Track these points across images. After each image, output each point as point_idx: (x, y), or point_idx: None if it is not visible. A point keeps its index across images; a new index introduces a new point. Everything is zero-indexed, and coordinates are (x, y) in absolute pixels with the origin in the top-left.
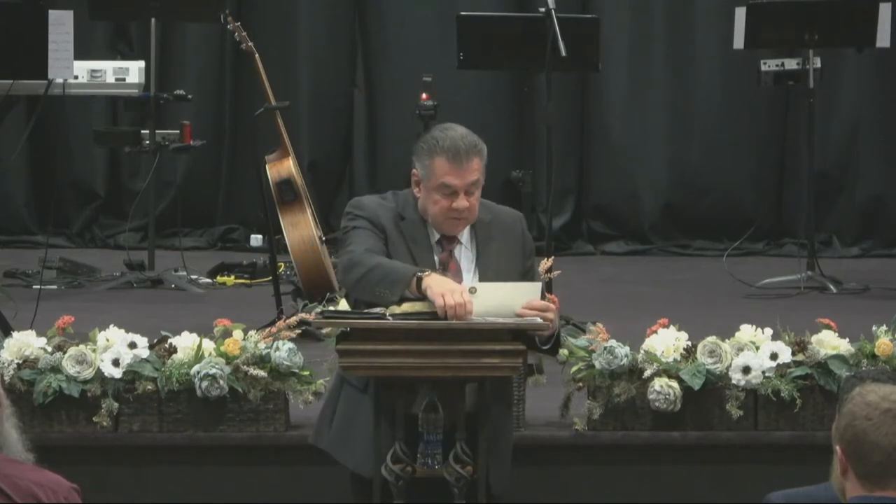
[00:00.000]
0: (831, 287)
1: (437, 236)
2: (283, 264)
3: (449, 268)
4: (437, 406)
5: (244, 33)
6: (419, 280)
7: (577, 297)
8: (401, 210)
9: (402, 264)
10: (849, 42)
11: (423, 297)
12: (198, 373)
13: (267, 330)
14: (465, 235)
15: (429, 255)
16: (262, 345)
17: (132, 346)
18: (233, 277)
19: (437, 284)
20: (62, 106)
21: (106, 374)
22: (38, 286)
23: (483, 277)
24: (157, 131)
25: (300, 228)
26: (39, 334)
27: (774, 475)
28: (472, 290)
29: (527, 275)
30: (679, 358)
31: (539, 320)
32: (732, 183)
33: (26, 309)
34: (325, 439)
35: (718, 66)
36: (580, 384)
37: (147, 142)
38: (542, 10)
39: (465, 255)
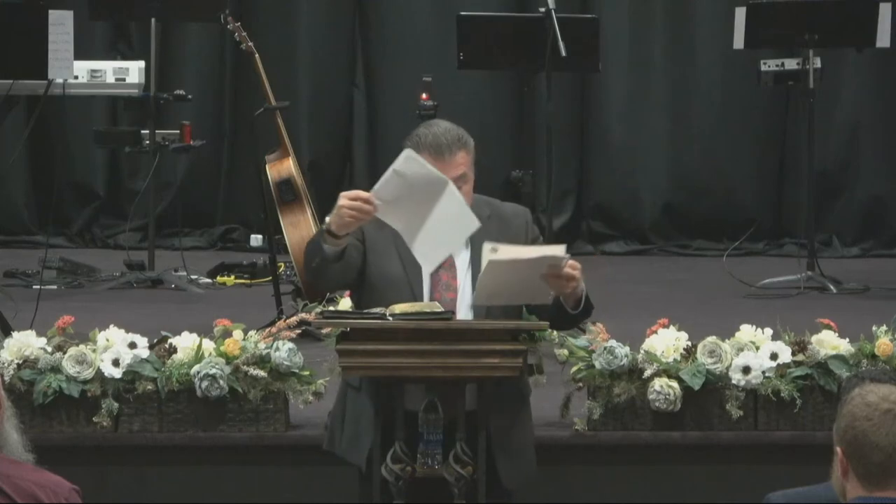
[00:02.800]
0: (831, 287)
1: None
2: (283, 264)
3: (443, 264)
4: (437, 406)
5: (244, 33)
6: (327, 227)
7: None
8: None
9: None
10: (849, 42)
11: (339, 245)
12: (198, 373)
13: (267, 330)
14: None
15: None
16: (262, 345)
17: (132, 346)
18: (233, 277)
19: (333, 213)
20: (62, 106)
21: (106, 374)
22: (38, 286)
23: (477, 273)
24: (157, 131)
25: (300, 228)
26: (39, 334)
27: (774, 475)
28: (494, 250)
29: None
30: (679, 358)
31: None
32: (732, 183)
33: (26, 309)
34: (337, 443)
35: (718, 67)
36: (580, 384)
37: (147, 142)
38: (542, 10)
39: (459, 250)
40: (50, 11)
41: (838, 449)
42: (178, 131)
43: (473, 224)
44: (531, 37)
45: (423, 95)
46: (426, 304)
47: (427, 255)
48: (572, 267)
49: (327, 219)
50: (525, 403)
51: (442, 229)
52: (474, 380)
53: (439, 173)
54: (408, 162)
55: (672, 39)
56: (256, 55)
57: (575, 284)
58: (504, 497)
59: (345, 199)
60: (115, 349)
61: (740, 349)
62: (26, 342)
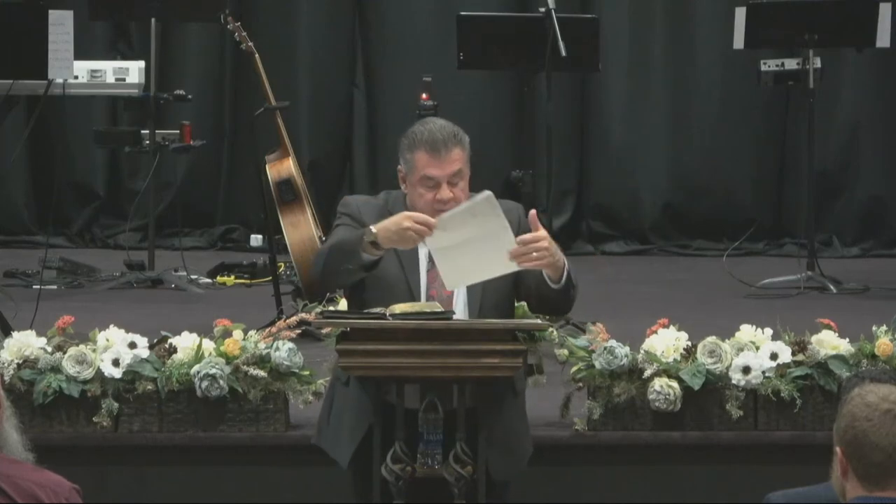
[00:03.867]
0: (831, 287)
1: None
2: (283, 264)
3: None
4: (437, 406)
5: (244, 33)
6: (373, 238)
7: (578, 297)
8: (390, 207)
9: (353, 232)
10: (849, 42)
11: (377, 256)
12: (198, 373)
13: (267, 330)
14: None
15: (413, 251)
16: (262, 345)
17: (132, 346)
18: (233, 277)
19: (385, 227)
20: (62, 106)
21: (106, 374)
22: (38, 286)
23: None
24: (157, 131)
25: (300, 228)
26: (39, 334)
27: (774, 475)
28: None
29: None
30: (679, 358)
31: (540, 320)
32: (732, 183)
33: (26, 309)
34: (323, 437)
35: (718, 66)
36: (580, 384)
37: (147, 142)
38: (542, 10)
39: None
40: (50, 11)
41: (838, 449)
42: (178, 131)
43: (510, 268)
44: (531, 37)
45: (423, 95)
46: (426, 304)
47: (451, 277)
48: (534, 239)
49: (373, 229)
50: (517, 396)
51: (477, 263)
52: (474, 380)
53: (507, 225)
54: (485, 204)
55: (672, 39)
56: (256, 55)
57: (548, 256)
58: (499, 490)
59: (410, 220)
60: (115, 349)
61: (740, 349)
62: (26, 342)
